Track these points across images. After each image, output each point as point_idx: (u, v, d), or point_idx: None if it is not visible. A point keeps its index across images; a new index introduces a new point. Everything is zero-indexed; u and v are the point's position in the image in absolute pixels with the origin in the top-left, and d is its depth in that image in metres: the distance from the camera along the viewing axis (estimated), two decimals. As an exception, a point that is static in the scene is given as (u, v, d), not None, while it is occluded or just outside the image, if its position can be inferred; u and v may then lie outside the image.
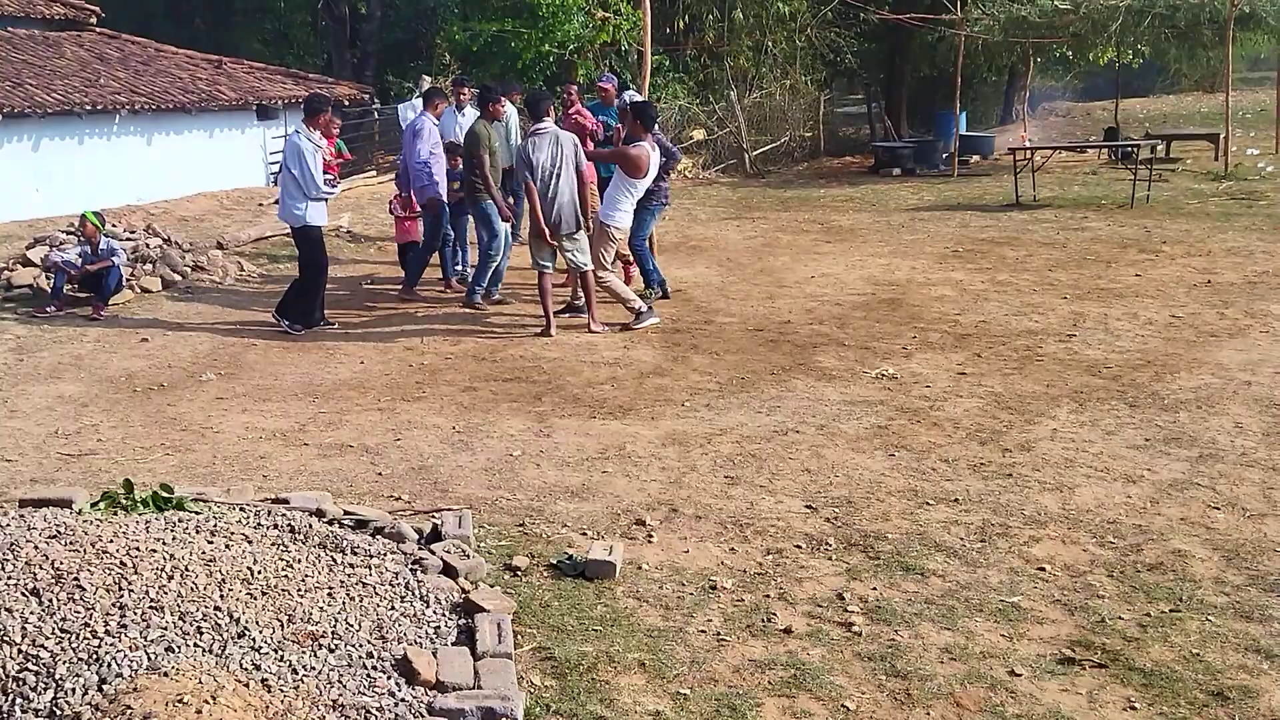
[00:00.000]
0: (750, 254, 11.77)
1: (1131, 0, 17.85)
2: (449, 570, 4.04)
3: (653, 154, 8.28)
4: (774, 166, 21.65)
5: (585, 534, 4.64)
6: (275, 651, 3.30)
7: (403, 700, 3.18)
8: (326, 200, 8.49)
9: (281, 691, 3.12)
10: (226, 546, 3.84)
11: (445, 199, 9.55)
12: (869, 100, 25.92)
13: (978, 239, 12.26)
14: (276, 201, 10.14)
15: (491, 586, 4.02)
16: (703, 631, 3.81)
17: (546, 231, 8.04)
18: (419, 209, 10.37)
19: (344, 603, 3.64)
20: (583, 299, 8.46)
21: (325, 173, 8.45)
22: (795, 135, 22.49)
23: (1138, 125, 24.62)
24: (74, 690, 3.00)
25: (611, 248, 8.41)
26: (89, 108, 14.36)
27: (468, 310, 9.08)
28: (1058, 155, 19.05)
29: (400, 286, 10.10)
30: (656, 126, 8.95)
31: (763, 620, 3.89)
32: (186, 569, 3.60)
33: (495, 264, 9.13)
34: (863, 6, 21.21)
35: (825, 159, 22.74)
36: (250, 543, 3.93)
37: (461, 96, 10.48)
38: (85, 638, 3.20)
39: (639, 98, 9.09)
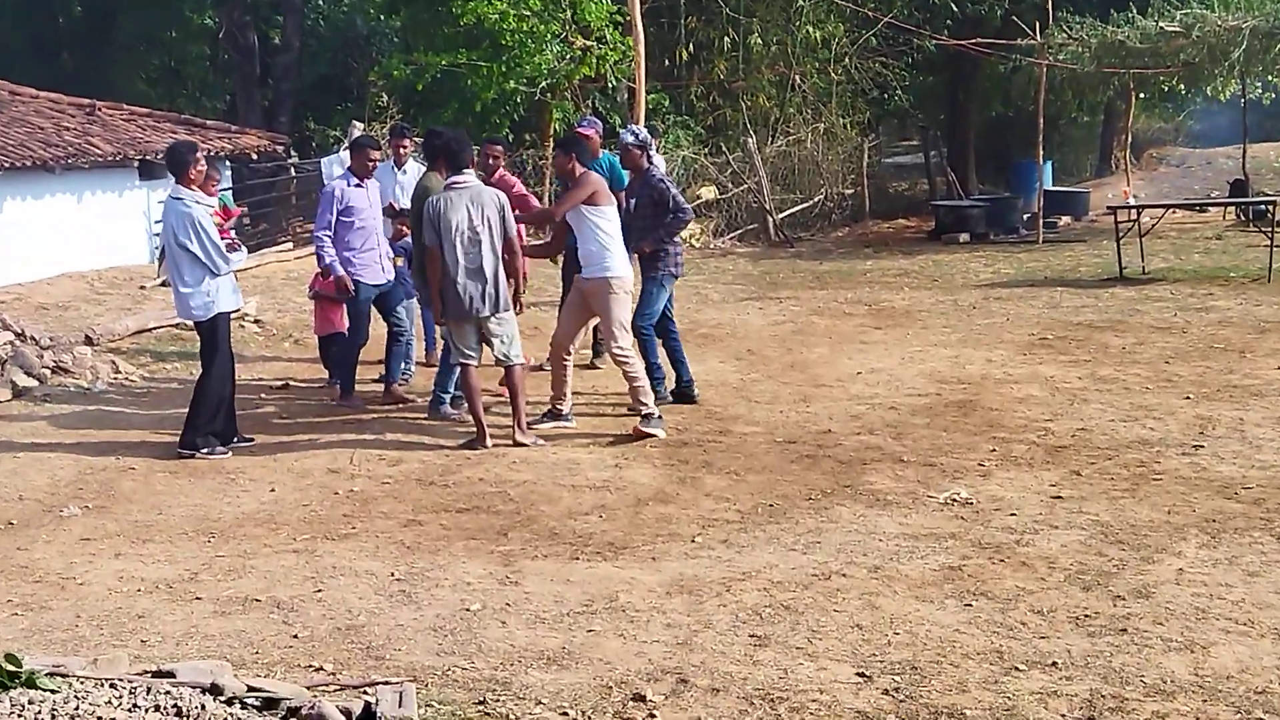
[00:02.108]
0: (777, 344, 11.87)
1: (1257, 21, 18.27)
2: (386, 764, 3.98)
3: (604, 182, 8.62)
4: (806, 233, 21.99)
5: (566, 714, 4.59)
6: None
7: None
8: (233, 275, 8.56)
9: None
10: (92, 734, 3.79)
11: (366, 279, 9.63)
12: (926, 148, 26.49)
13: (1071, 323, 12.39)
14: (165, 283, 10.24)
15: (443, 785, 3.97)
16: (724, 843, 3.76)
17: (437, 308, 8.35)
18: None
19: (247, 808, 3.59)
20: (638, 399, 8.58)
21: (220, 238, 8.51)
22: (832, 193, 22.92)
23: (1273, 177, 25.10)
24: None
25: (627, 307, 8.54)
26: (-78, 166, 14.61)
27: (433, 421, 9.15)
28: (1171, 215, 19.39)
29: (324, 388, 10.19)
30: (668, 181, 9.13)
31: (803, 827, 3.83)
32: (39, 765, 3.55)
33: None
34: (915, 30, 21.78)
35: (871, 222, 23.09)
36: (124, 729, 3.89)
37: (401, 150, 10.67)
38: None
39: (643, 133, 9.27)
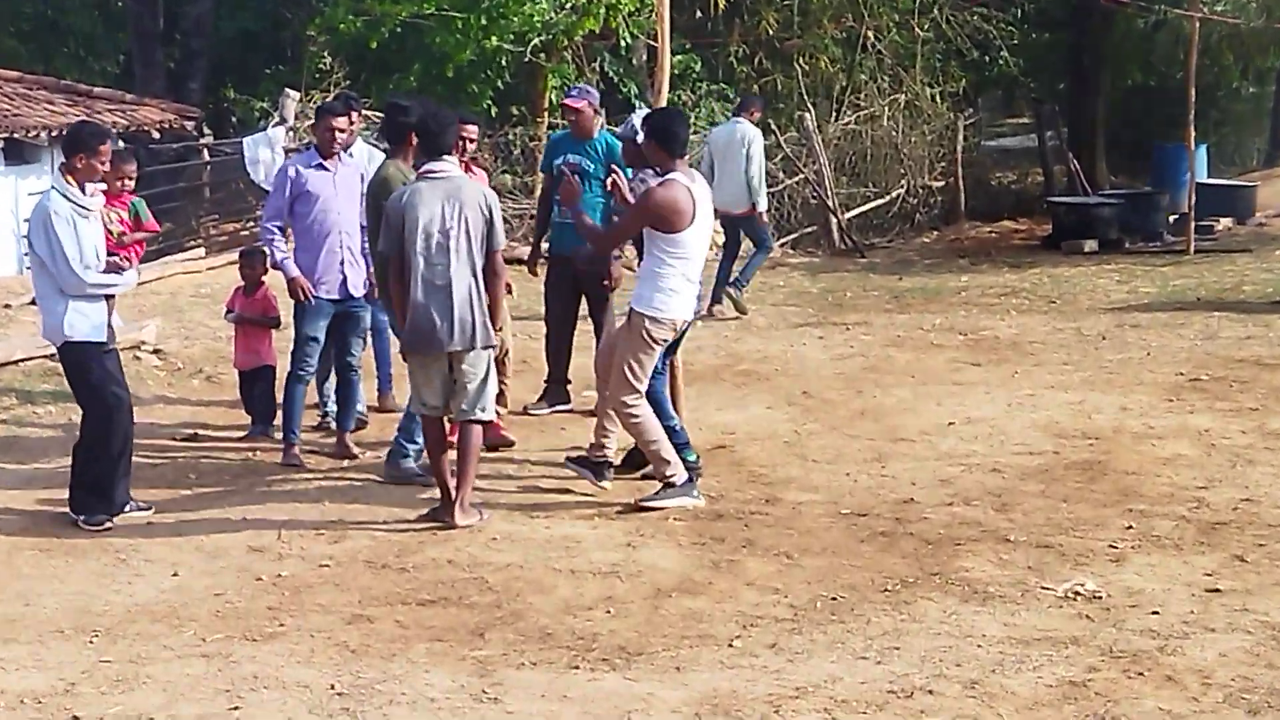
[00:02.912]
0: (843, 385, 11.86)
1: None
2: None
3: (697, 190, 8.42)
4: (881, 238, 21.99)
5: None
6: None
7: None
8: (106, 298, 8.50)
9: None
10: None
11: (323, 293, 9.68)
12: (1041, 127, 26.50)
13: (1233, 359, 12.38)
14: (34, 302, 10.27)
15: None
16: None
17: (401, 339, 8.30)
18: (275, 312, 10.52)
19: None
20: (659, 467, 8.58)
21: (110, 253, 8.51)
22: (916, 186, 22.90)
23: None
24: None
25: (653, 357, 8.52)
26: None
27: (390, 481, 9.16)
28: (1365, 217, 19.31)
29: (246, 439, 10.22)
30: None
31: None
32: None
33: None
34: (1026, -26, 21.81)
35: (969, 225, 23.06)
36: None
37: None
38: None
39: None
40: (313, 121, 10.54)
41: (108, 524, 8.41)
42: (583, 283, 10.26)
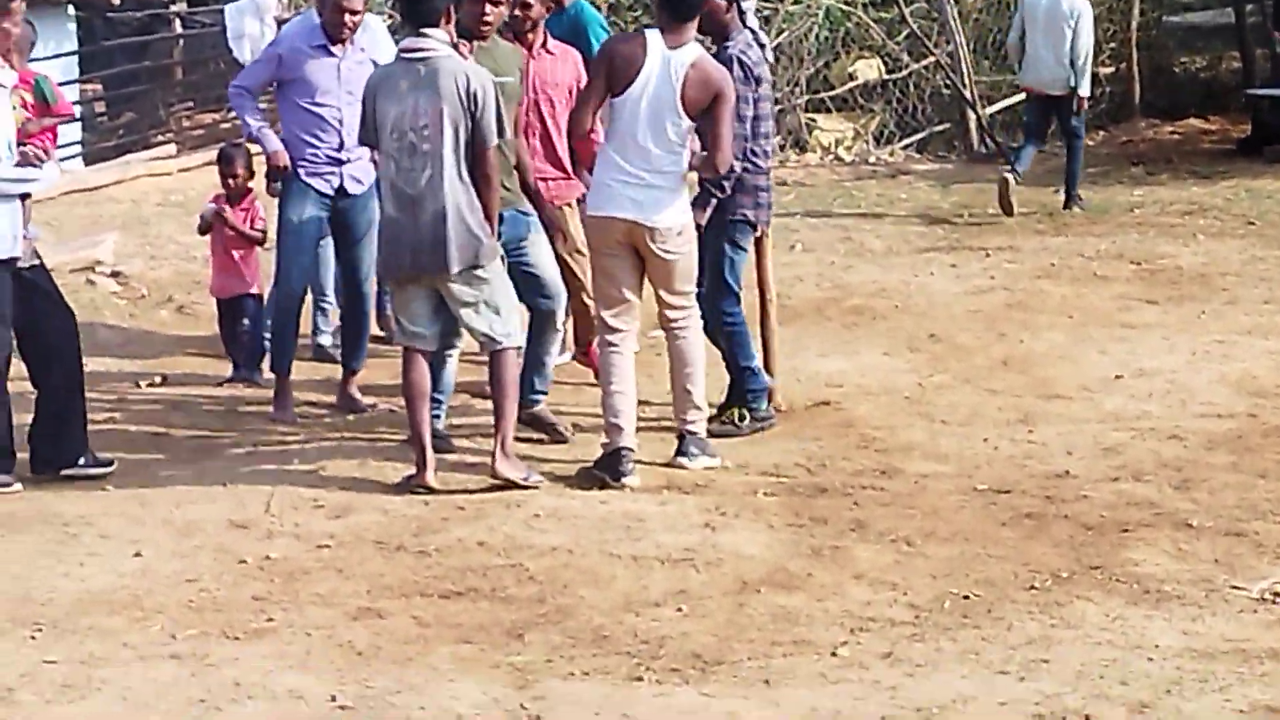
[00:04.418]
0: (980, 326, 11.86)
1: None
2: None
3: (660, 55, 8.35)
4: (1032, 139, 21.76)
5: None
6: None
7: None
8: (21, 198, 8.45)
9: None
10: None
11: (315, 185, 9.58)
12: (1239, -1, 26.14)
13: None
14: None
15: None
16: None
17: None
18: (260, 224, 10.50)
19: None
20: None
21: (19, 141, 8.42)
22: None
23: None
24: None
25: (603, 267, 8.68)
26: None
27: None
28: None
29: (227, 384, 10.26)
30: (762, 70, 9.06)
31: None
32: None
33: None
34: None
35: (1144, 123, 22.83)
36: None
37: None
38: None
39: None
40: None
41: (12, 484, 8.48)
42: None
